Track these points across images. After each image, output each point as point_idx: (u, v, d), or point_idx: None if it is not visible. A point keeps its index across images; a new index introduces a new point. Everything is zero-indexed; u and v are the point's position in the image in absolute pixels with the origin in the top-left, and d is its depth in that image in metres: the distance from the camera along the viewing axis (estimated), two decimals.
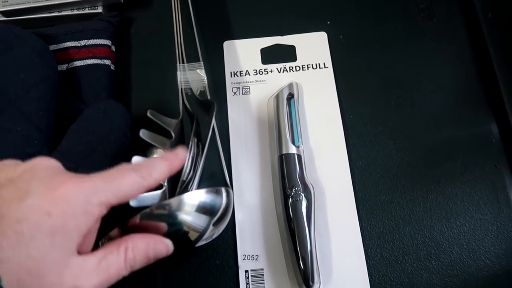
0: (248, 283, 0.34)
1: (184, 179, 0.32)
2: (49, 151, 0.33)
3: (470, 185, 0.37)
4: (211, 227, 0.29)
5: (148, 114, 0.34)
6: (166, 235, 0.26)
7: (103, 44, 0.39)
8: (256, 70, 0.41)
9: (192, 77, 0.38)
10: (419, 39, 0.42)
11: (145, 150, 0.35)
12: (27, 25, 0.40)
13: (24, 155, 0.32)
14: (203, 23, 0.43)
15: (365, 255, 0.34)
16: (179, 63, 0.37)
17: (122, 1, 0.41)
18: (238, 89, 0.40)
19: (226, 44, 0.42)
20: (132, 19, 0.43)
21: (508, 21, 0.41)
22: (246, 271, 0.34)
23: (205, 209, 0.28)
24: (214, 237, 0.31)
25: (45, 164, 0.22)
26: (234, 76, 0.41)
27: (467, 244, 0.35)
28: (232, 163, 0.37)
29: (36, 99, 0.33)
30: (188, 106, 0.37)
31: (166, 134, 0.35)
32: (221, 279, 0.34)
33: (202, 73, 0.38)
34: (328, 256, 0.34)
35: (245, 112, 0.39)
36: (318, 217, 0.35)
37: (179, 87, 0.38)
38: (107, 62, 0.39)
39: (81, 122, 0.33)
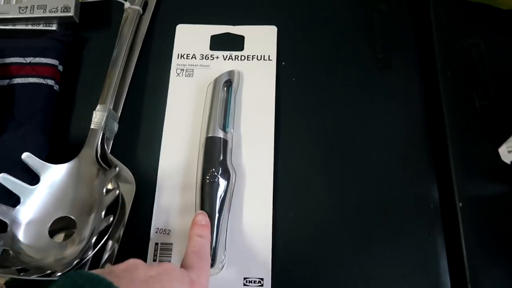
0: (156, 255, 0.35)
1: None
2: None
3: (402, 250, 0.35)
4: None
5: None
6: None
7: (49, 63, 0.39)
8: (203, 55, 0.42)
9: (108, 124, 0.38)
10: (373, 89, 0.41)
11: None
12: None
13: None
14: (160, 5, 0.44)
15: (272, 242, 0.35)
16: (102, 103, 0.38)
17: (77, 21, 0.41)
18: (182, 71, 0.41)
19: (179, 28, 0.43)
20: (88, 39, 0.43)
21: (466, 82, 0.40)
22: (156, 244, 0.35)
23: None
24: None
25: (176, 268, 0.28)
26: (180, 58, 0.42)
27: None
28: (162, 143, 0.38)
29: None
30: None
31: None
32: (133, 248, 0.35)
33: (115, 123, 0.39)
34: (239, 239, 0.35)
35: (184, 94, 0.40)
36: (235, 201, 0.36)
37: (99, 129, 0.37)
38: (50, 82, 0.39)
39: None
